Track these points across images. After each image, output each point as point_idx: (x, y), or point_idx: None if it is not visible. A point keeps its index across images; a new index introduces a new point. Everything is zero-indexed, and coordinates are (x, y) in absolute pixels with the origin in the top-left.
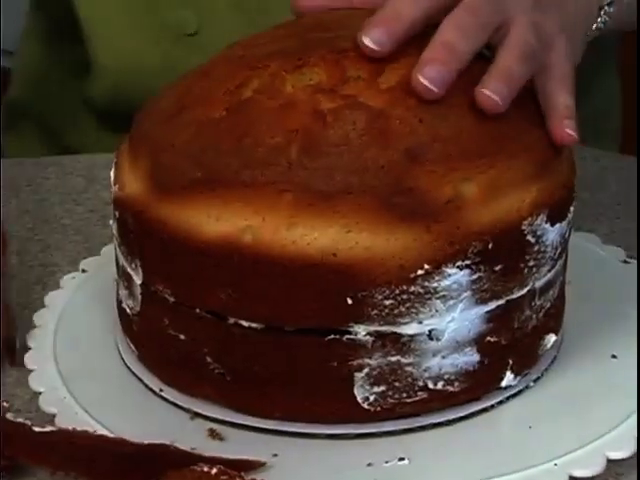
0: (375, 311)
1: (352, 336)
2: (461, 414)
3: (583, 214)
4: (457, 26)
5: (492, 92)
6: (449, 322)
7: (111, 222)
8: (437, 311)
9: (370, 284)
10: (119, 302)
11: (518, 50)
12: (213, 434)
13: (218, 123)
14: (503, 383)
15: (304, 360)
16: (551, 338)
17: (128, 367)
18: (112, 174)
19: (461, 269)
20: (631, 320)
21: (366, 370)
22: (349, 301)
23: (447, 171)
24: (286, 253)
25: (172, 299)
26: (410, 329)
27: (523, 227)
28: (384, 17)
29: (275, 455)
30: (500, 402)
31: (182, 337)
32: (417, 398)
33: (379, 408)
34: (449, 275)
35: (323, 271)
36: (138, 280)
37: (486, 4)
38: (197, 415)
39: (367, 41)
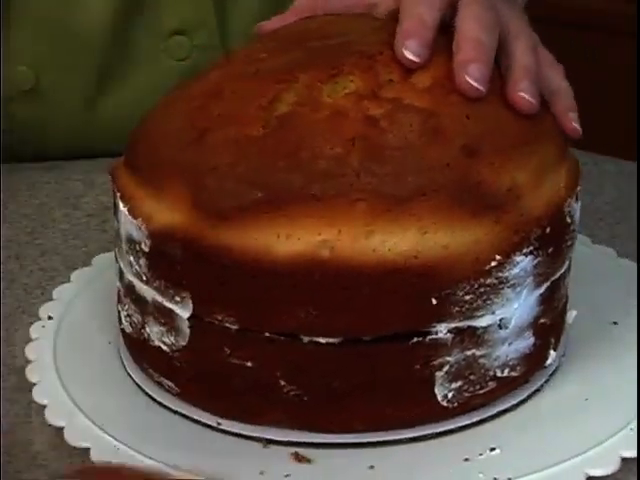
0: (457, 308)
1: (434, 336)
2: (520, 397)
3: (582, 218)
4: (476, 20)
5: (527, 94)
6: (516, 309)
7: (129, 258)
8: (508, 300)
9: (452, 282)
10: (142, 340)
11: (527, 43)
12: (299, 458)
13: (262, 140)
14: (548, 362)
15: (385, 367)
16: (572, 313)
17: (166, 406)
18: (123, 208)
19: (526, 255)
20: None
21: (446, 368)
22: (433, 301)
23: (503, 162)
24: (367, 262)
25: (235, 327)
26: (484, 321)
27: (565, 208)
28: (413, 26)
29: (371, 467)
30: (546, 381)
31: (249, 364)
32: (488, 388)
33: (456, 404)
34: (517, 263)
35: (407, 275)
36: (185, 314)
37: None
38: (270, 442)
39: (408, 54)
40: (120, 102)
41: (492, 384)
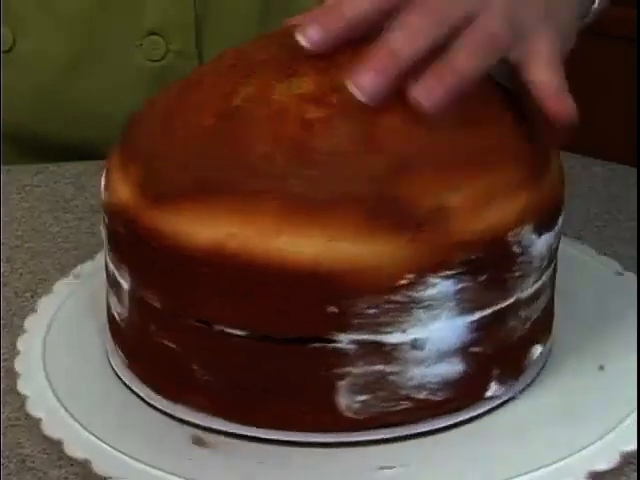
0: (358, 320)
1: (336, 345)
2: (445, 424)
3: (572, 222)
4: (404, 26)
5: (420, 95)
6: (433, 332)
7: (101, 227)
8: (420, 320)
9: (354, 293)
10: (108, 308)
11: (473, 42)
12: (198, 441)
13: (208, 130)
14: (488, 393)
15: (288, 368)
16: (538, 349)
17: (117, 374)
18: (102, 180)
19: (445, 279)
20: (620, 329)
21: (349, 379)
22: (333, 310)
23: (433, 180)
24: (271, 261)
25: (159, 306)
26: (393, 338)
27: (509, 238)
28: (320, 14)
29: (260, 462)
30: (486, 412)
31: (169, 344)
32: (401, 407)
33: (363, 417)
34: (433, 285)
35: (308, 280)
36: (126, 286)
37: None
38: (184, 422)
39: (300, 37)
40: (87, 89)
41: (406, 403)
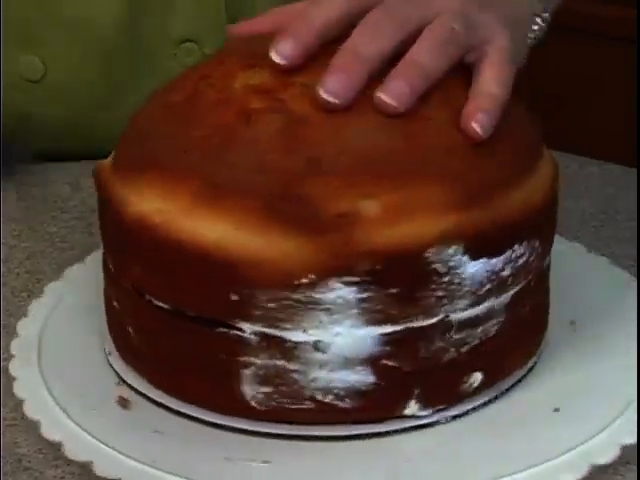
0: (258, 312)
1: (239, 333)
2: (354, 432)
3: (569, 222)
4: (367, 28)
5: (389, 95)
6: (335, 336)
7: None
8: (322, 322)
9: (252, 284)
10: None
11: (433, 39)
12: (123, 401)
13: (171, 108)
14: (407, 411)
15: (199, 347)
16: (477, 377)
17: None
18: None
19: (347, 285)
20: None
21: (253, 368)
22: (234, 297)
23: (346, 185)
24: (182, 240)
25: (111, 269)
26: (294, 336)
27: (427, 255)
28: (295, 27)
29: (157, 431)
30: (402, 430)
31: (115, 305)
32: (304, 406)
33: (265, 408)
34: (333, 289)
35: (212, 263)
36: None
37: (405, 3)
38: (123, 382)
39: (274, 55)
40: (125, 106)
41: (310, 404)
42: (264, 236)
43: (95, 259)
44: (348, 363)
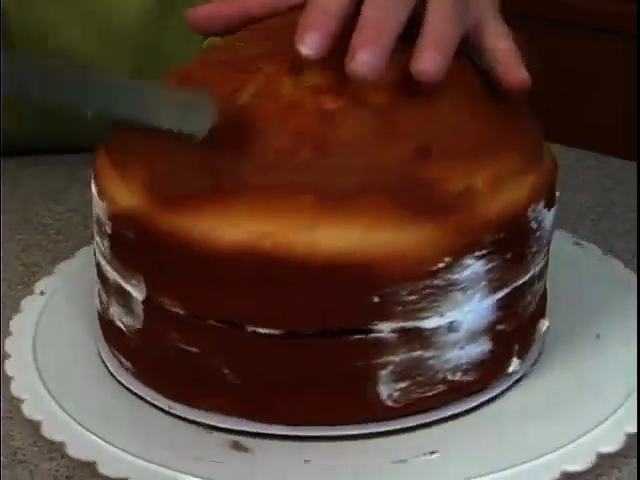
0: (399, 308)
1: (377, 334)
2: (474, 404)
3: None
4: (376, 4)
5: (425, 65)
6: (467, 313)
7: (97, 239)
8: (457, 303)
9: (393, 281)
10: (108, 320)
11: (445, 9)
12: (237, 446)
13: (218, 129)
14: (510, 369)
15: (325, 362)
16: (545, 322)
17: (122, 384)
18: (93, 189)
19: (478, 259)
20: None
21: (390, 367)
22: (374, 299)
23: (457, 165)
24: (308, 256)
25: (183, 312)
26: (432, 323)
27: (528, 214)
28: (313, 18)
29: (307, 461)
30: (507, 389)
31: (194, 350)
32: (437, 391)
33: (402, 404)
34: (468, 266)
35: (347, 271)
36: (140, 296)
37: None
38: (215, 429)
39: (304, 49)
40: None
41: (442, 387)
42: (396, 230)
43: (86, 253)
44: (474, 336)
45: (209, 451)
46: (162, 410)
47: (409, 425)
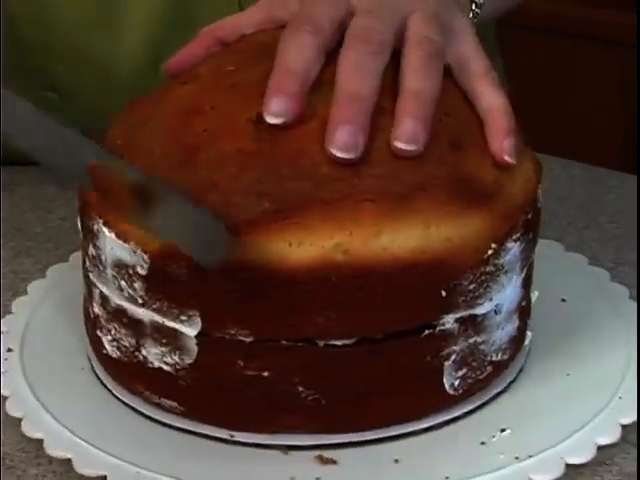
0: (462, 298)
1: (442, 327)
2: (510, 378)
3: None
4: (353, 66)
5: (405, 141)
6: (507, 294)
7: (116, 284)
8: (502, 286)
9: (458, 272)
10: (138, 363)
11: (419, 60)
12: (324, 460)
13: (258, 153)
14: (526, 342)
15: (397, 363)
16: (535, 294)
17: (170, 425)
18: (110, 234)
19: (515, 242)
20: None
21: (453, 357)
22: (443, 293)
23: (484, 156)
24: (380, 261)
25: (250, 339)
26: (484, 308)
27: (538, 194)
28: (280, 78)
29: (396, 461)
30: (525, 360)
31: (265, 374)
32: (486, 373)
33: (460, 391)
34: (509, 249)
35: (418, 270)
36: (193, 331)
37: (374, 19)
38: (291, 448)
39: (269, 118)
40: None
41: (489, 368)
42: (454, 223)
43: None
44: (510, 316)
45: (300, 470)
46: (222, 440)
47: (470, 409)
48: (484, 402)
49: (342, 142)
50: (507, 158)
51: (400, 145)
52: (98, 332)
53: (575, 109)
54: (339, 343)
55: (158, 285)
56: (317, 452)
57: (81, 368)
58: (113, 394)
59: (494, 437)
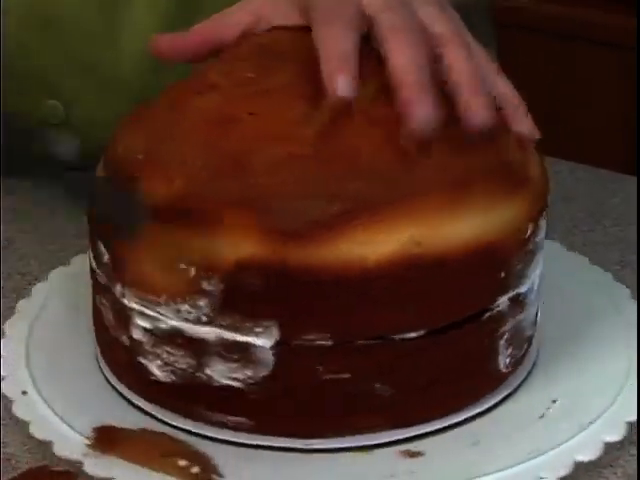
0: (513, 278)
1: (499, 309)
2: (535, 353)
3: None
4: (407, 56)
5: (480, 117)
6: (538, 271)
7: (181, 307)
8: (537, 263)
9: (511, 253)
10: (201, 384)
11: (458, 42)
12: (411, 454)
13: (315, 156)
14: (538, 319)
15: (463, 347)
16: None
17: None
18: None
19: (543, 220)
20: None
21: (505, 336)
22: (501, 275)
23: (510, 139)
24: (452, 249)
25: (329, 342)
26: (526, 286)
27: (548, 172)
28: (338, 62)
29: (476, 443)
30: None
31: (344, 376)
32: (524, 349)
33: (510, 368)
34: (541, 228)
35: (484, 254)
36: (268, 343)
37: (398, 12)
38: (371, 447)
39: (343, 92)
40: None
41: (526, 345)
42: (506, 207)
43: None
44: (536, 292)
45: (385, 469)
46: (297, 450)
47: (517, 385)
48: (526, 377)
49: (424, 118)
50: (535, 134)
51: (474, 121)
52: (140, 359)
53: (574, 111)
54: (412, 335)
55: (230, 301)
56: (398, 447)
57: (89, 370)
58: (158, 418)
59: (549, 409)
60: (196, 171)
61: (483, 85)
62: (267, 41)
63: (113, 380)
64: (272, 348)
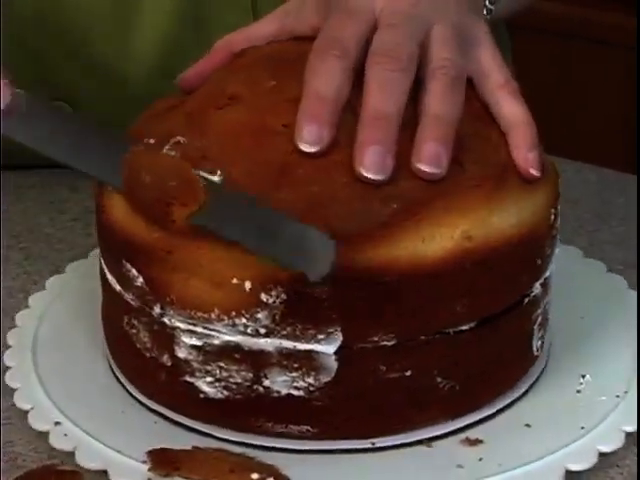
0: (545, 263)
1: (535, 293)
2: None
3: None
4: (380, 85)
5: (427, 163)
6: (555, 255)
7: (239, 321)
8: (556, 247)
9: (543, 240)
10: (261, 395)
11: (441, 85)
12: (472, 442)
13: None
14: None
15: (508, 334)
16: None
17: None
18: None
19: (559, 206)
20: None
21: (539, 319)
22: (538, 262)
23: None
24: (499, 240)
25: (392, 342)
26: (550, 270)
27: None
28: (309, 108)
29: (528, 425)
30: None
31: (407, 374)
32: (547, 330)
33: (540, 352)
34: (558, 214)
35: (521, 243)
36: (332, 348)
37: (402, 29)
38: (432, 439)
39: (303, 146)
40: None
41: (548, 327)
42: (534, 196)
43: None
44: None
45: (450, 459)
46: (362, 450)
47: (543, 366)
48: (550, 357)
49: (371, 164)
50: (532, 171)
51: (423, 167)
52: (187, 378)
53: (575, 111)
54: (466, 327)
55: (292, 311)
56: (458, 436)
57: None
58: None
59: (582, 384)
60: (237, 182)
61: (446, 131)
62: (270, 50)
63: (147, 401)
64: (335, 353)
